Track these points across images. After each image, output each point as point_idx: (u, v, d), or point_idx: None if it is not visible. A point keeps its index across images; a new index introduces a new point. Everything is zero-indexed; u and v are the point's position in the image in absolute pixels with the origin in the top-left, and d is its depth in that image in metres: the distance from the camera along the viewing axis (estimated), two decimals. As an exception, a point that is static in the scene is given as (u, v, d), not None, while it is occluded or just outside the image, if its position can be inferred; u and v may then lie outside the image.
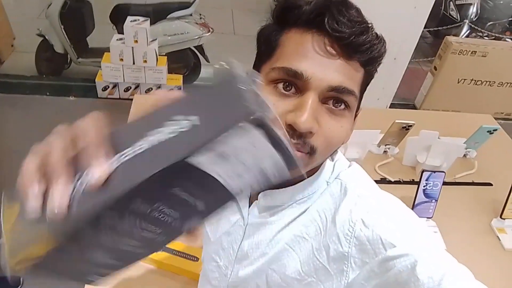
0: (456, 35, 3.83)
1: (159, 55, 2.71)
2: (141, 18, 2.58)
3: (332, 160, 0.62)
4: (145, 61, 2.61)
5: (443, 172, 1.33)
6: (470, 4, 4.05)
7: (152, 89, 2.74)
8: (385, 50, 0.52)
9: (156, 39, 2.66)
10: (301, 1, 0.52)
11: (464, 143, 1.60)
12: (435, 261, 0.47)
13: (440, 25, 4.07)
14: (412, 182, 1.48)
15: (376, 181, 0.60)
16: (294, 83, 0.51)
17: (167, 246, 1.13)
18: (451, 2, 4.07)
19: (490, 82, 3.22)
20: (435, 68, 3.17)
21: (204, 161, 0.28)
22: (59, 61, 3.01)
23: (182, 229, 0.36)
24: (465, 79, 3.18)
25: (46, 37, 2.86)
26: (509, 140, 1.82)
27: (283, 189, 0.60)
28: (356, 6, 0.51)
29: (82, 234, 0.29)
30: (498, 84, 3.23)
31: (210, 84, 0.33)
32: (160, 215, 0.32)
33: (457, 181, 1.54)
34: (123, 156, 0.28)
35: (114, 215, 0.29)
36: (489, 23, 4.09)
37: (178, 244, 1.14)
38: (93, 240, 0.31)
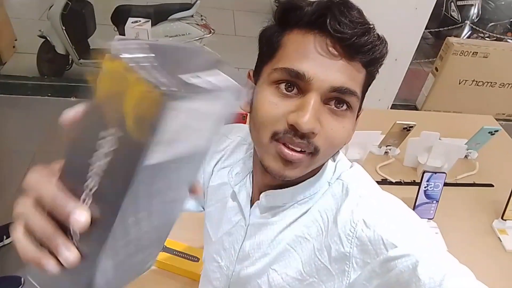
0: (458, 36, 3.83)
1: (160, 56, 2.72)
2: (142, 20, 2.58)
3: (334, 161, 0.62)
4: (147, 62, 2.60)
5: (444, 173, 1.33)
6: (472, 5, 4.05)
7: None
8: (387, 51, 0.53)
9: (157, 40, 2.66)
10: (302, 2, 0.52)
11: (465, 144, 1.60)
12: (436, 262, 0.47)
13: (441, 26, 4.07)
14: (413, 183, 1.48)
15: (377, 182, 0.61)
16: (296, 83, 0.51)
17: (168, 246, 1.13)
18: (452, 3, 4.07)
19: (491, 83, 3.22)
20: (436, 69, 3.17)
21: (158, 155, 0.27)
22: (61, 62, 3.02)
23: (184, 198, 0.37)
24: (466, 80, 3.18)
25: (48, 38, 2.87)
26: (510, 141, 1.82)
27: (285, 189, 0.60)
28: (358, 7, 0.51)
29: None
30: (500, 85, 3.23)
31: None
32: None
33: (458, 182, 1.54)
34: (89, 190, 0.29)
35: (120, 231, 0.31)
36: (490, 24, 4.09)
37: (178, 244, 1.14)
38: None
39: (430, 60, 3.80)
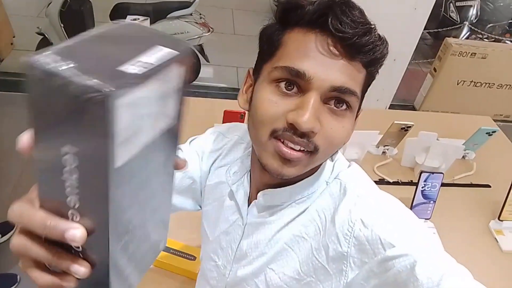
0: (456, 36, 3.84)
1: (159, 54, 2.71)
2: (141, 17, 2.58)
3: (332, 160, 0.62)
4: (145, 60, 2.60)
5: (441, 173, 1.33)
6: (470, 6, 4.06)
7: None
8: (387, 51, 0.52)
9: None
10: (304, 1, 0.51)
11: (462, 144, 1.60)
12: (434, 262, 0.47)
13: (440, 26, 4.07)
14: (410, 183, 1.48)
15: (375, 182, 0.61)
16: (296, 82, 0.51)
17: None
18: (451, 4, 4.08)
19: (489, 84, 3.23)
20: (435, 70, 3.18)
21: (123, 155, 0.26)
22: (59, 60, 3.01)
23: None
24: (464, 81, 3.19)
25: (46, 36, 2.86)
26: (508, 142, 1.82)
27: (283, 188, 0.60)
28: (359, 7, 0.50)
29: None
30: (498, 86, 3.24)
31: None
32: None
33: (455, 182, 1.54)
34: (74, 206, 0.28)
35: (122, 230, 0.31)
36: (489, 25, 4.10)
37: (175, 243, 1.14)
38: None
39: (429, 60, 3.81)
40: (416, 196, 1.32)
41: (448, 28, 4.02)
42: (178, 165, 0.36)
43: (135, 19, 2.50)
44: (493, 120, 1.96)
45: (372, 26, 0.50)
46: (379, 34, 0.51)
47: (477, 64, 3.05)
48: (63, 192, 0.28)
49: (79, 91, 0.22)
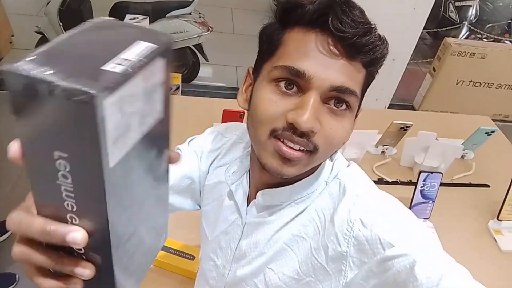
0: (455, 36, 3.84)
1: (158, 53, 2.70)
2: (140, 16, 2.57)
3: (331, 160, 0.62)
4: (144, 60, 2.60)
5: (440, 173, 1.33)
6: (470, 6, 4.06)
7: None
8: (387, 51, 0.52)
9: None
10: (304, 0, 0.51)
11: (461, 144, 1.61)
12: (433, 261, 0.47)
13: (439, 26, 4.08)
14: (409, 183, 1.48)
15: (374, 182, 0.61)
16: (296, 82, 0.51)
17: (164, 245, 1.13)
18: (450, 4, 4.09)
19: (488, 83, 3.23)
20: (434, 69, 3.18)
21: (115, 154, 0.26)
22: (58, 59, 3.01)
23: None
24: (463, 81, 3.19)
25: (45, 34, 2.86)
26: (507, 141, 1.82)
27: (282, 188, 0.60)
28: (359, 7, 0.50)
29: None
30: (497, 86, 3.25)
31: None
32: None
33: (454, 182, 1.54)
34: (72, 209, 0.28)
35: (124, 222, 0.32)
36: (488, 25, 4.11)
37: (174, 242, 1.14)
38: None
39: (428, 60, 3.81)
40: (415, 195, 1.32)
41: (447, 28, 4.03)
42: (172, 159, 0.36)
43: (134, 18, 2.50)
44: (492, 120, 1.96)
45: (373, 26, 0.50)
46: (379, 34, 0.51)
47: (476, 64, 3.06)
48: (60, 196, 0.27)
49: (66, 95, 0.22)
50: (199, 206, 0.80)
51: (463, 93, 3.21)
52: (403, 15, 2.25)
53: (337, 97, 0.51)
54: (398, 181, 1.50)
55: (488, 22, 4.11)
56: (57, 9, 2.78)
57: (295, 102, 0.50)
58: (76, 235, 0.28)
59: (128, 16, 2.52)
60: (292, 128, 0.50)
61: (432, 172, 1.32)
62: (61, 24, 2.78)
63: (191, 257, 1.11)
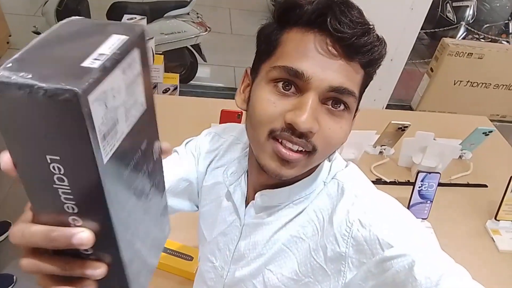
0: (453, 37, 3.85)
1: (156, 53, 2.70)
2: (138, 17, 2.57)
3: (329, 161, 0.62)
4: (142, 60, 2.59)
5: (438, 173, 1.33)
6: (467, 6, 4.08)
7: (148, 87, 2.72)
8: (385, 52, 0.52)
9: (152, 38, 2.65)
10: (302, 1, 0.51)
11: (459, 144, 1.61)
12: (432, 261, 0.47)
13: (436, 26, 4.09)
14: (407, 183, 1.48)
15: (372, 182, 0.60)
16: (294, 82, 0.51)
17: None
18: (448, 4, 4.10)
19: (486, 84, 3.24)
20: (432, 70, 3.19)
21: (107, 149, 0.26)
22: (55, 59, 3.00)
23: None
24: (461, 81, 3.20)
25: (42, 34, 2.85)
26: (505, 142, 1.83)
27: (280, 189, 0.60)
28: (358, 7, 0.50)
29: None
30: (494, 86, 3.26)
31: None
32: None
33: (452, 182, 1.54)
34: (73, 211, 0.28)
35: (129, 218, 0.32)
36: (485, 26, 4.12)
37: (172, 243, 1.13)
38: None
39: (426, 60, 3.82)
40: (413, 196, 1.32)
41: (444, 28, 4.04)
42: (163, 151, 0.37)
43: (131, 18, 2.50)
44: (490, 120, 1.97)
45: (371, 27, 0.50)
46: (377, 35, 0.51)
47: (473, 64, 3.07)
48: (59, 200, 0.27)
49: (49, 96, 0.22)
50: (197, 207, 0.80)
51: (461, 93, 3.22)
52: (401, 15, 2.25)
53: (335, 98, 0.51)
54: (396, 181, 1.50)
55: (486, 23, 4.13)
56: (54, 9, 2.77)
57: (294, 102, 0.50)
58: (82, 235, 0.28)
59: (125, 16, 2.52)
60: (290, 128, 0.49)
61: (430, 172, 1.32)
62: (58, 24, 2.78)
63: (190, 258, 1.10)
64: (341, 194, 0.57)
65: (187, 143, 0.79)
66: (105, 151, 0.26)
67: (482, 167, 1.63)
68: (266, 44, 0.55)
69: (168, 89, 2.76)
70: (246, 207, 0.65)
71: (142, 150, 0.33)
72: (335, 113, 0.51)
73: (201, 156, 0.75)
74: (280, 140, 0.51)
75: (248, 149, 0.67)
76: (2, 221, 2.00)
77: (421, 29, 2.44)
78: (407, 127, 1.51)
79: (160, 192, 0.40)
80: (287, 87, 0.51)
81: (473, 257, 1.26)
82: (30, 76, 0.22)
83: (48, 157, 0.25)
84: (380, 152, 1.62)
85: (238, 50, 3.70)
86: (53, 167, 0.25)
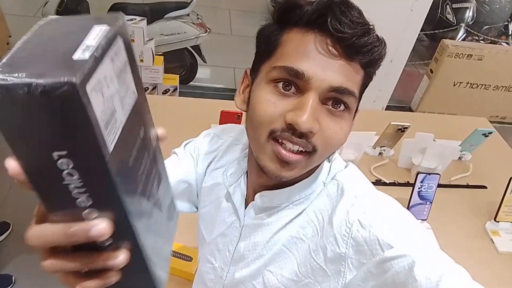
0: (453, 38, 3.86)
1: (156, 54, 2.71)
2: (138, 17, 2.57)
3: (329, 161, 0.62)
4: (142, 60, 2.60)
5: (438, 174, 1.33)
6: (467, 8, 4.08)
7: (148, 88, 2.73)
8: (385, 52, 0.52)
9: (152, 39, 2.66)
10: (302, 1, 0.51)
11: (459, 145, 1.61)
12: (432, 262, 0.47)
13: (436, 28, 4.10)
14: (407, 184, 1.49)
15: (371, 183, 0.60)
16: (294, 82, 0.50)
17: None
18: (447, 6, 4.10)
19: (485, 85, 3.24)
20: (431, 71, 3.19)
21: (109, 139, 0.26)
22: (55, 60, 3.00)
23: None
24: (461, 82, 3.20)
25: (42, 35, 2.85)
26: (504, 143, 1.83)
27: (280, 190, 0.60)
28: (358, 7, 0.50)
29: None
30: (494, 87, 3.26)
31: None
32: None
33: (452, 183, 1.54)
34: (87, 205, 0.29)
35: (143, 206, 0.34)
36: (485, 27, 4.13)
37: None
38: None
39: (425, 62, 3.83)
40: (412, 197, 1.32)
41: (444, 30, 4.05)
42: (160, 138, 0.38)
43: (132, 19, 2.50)
44: (489, 121, 1.97)
45: (371, 27, 0.50)
46: (377, 35, 0.51)
47: (473, 66, 3.07)
48: (70, 195, 0.27)
49: (47, 91, 0.22)
50: (197, 209, 0.80)
51: (460, 95, 3.22)
52: (401, 16, 2.25)
53: (335, 98, 0.51)
54: (396, 182, 1.51)
55: (485, 24, 4.13)
56: (54, 10, 2.78)
57: (294, 103, 0.50)
58: (100, 226, 0.29)
59: (126, 17, 2.51)
60: (291, 128, 0.49)
61: (429, 173, 1.32)
62: (58, 25, 2.78)
63: (189, 259, 1.10)
64: (340, 194, 0.57)
65: (186, 144, 0.79)
66: (109, 139, 0.26)
67: (481, 169, 1.63)
68: (266, 45, 0.55)
69: (168, 90, 2.76)
70: (245, 208, 0.65)
71: (141, 137, 0.33)
72: (335, 114, 0.51)
73: (200, 158, 0.75)
74: (280, 141, 0.51)
75: (247, 150, 0.67)
76: (1, 222, 2.00)
77: (421, 30, 2.44)
78: (406, 128, 1.51)
79: (165, 179, 0.41)
80: (287, 87, 0.51)
81: (473, 259, 1.25)
82: (24, 75, 0.23)
83: (55, 154, 0.25)
84: (380, 153, 1.62)
85: (238, 51, 3.70)
86: (61, 163, 0.26)
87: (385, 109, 2.70)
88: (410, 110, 3.36)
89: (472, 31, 4.03)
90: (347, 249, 0.53)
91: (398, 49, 2.35)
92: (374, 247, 0.50)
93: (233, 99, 0.63)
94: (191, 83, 3.30)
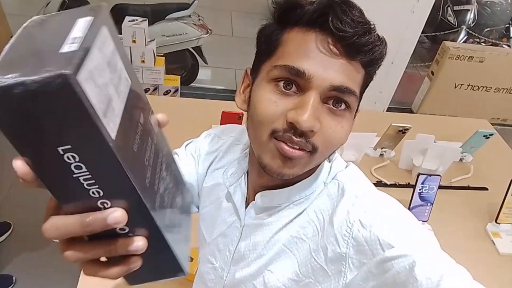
0: (454, 40, 3.86)
1: (157, 55, 2.71)
2: (140, 19, 2.58)
3: (329, 161, 0.62)
4: (143, 61, 2.60)
5: (439, 175, 1.33)
6: (468, 10, 4.08)
7: (149, 89, 2.73)
8: (386, 52, 0.52)
9: (154, 40, 2.66)
10: (303, 1, 0.51)
11: (460, 147, 1.61)
12: (433, 262, 0.47)
13: (437, 30, 4.10)
14: (408, 186, 1.49)
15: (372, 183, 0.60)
16: (295, 82, 0.51)
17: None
18: (449, 8, 4.11)
19: (486, 87, 3.24)
20: (432, 73, 3.19)
21: (111, 126, 0.27)
22: (57, 60, 3.01)
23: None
24: (462, 84, 3.20)
25: (44, 36, 2.86)
26: (505, 145, 1.83)
27: (281, 189, 0.60)
28: (359, 7, 0.50)
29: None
30: (495, 89, 3.26)
31: None
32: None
33: (452, 185, 1.54)
34: (99, 195, 0.29)
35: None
36: (486, 29, 4.13)
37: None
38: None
39: (426, 64, 3.83)
40: (413, 198, 1.32)
41: (445, 32, 4.05)
42: (160, 123, 0.38)
43: (133, 20, 2.50)
44: (490, 123, 1.97)
45: (372, 26, 0.50)
46: (378, 35, 0.51)
47: (474, 68, 3.07)
48: (82, 187, 0.28)
49: (42, 87, 0.23)
50: (198, 209, 0.80)
51: (461, 97, 3.22)
52: (402, 18, 2.26)
53: (336, 97, 0.51)
54: (397, 183, 1.50)
55: (486, 26, 4.13)
56: (56, 10, 2.78)
57: (295, 102, 0.50)
58: (116, 214, 0.29)
59: (127, 18, 2.52)
60: (292, 128, 0.49)
61: (430, 175, 1.32)
62: (60, 26, 2.79)
63: (189, 259, 1.10)
64: (341, 194, 0.57)
65: (187, 145, 0.79)
66: (110, 127, 0.26)
67: (482, 170, 1.63)
68: (267, 44, 0.55)
69: (169, 91, 2.76)
70: (246, 208, 0.65)
71: (142, 123, 0.34)
72: (336, 113, 0.51)
73: (201, 158, 0.75)
74: (282, 141, 0.51)
75: (248, 150, 0.67)
76: (1, 222, 2.00)
77: (422, 32, 2.44)
78: (407, 129, 1.51)
79: (173, 162, 0.42)
80: (288, 86, 0.51)
81: (474, 260, 1.25)
82: (18, 74, 0.23)
83: (60, 149, 0.25)
84: (381, 155, 1.62)
85: (239, 52, 3.71)
86: (68, 157, 0.26)
87: (386, 111, 2.70)
88: (411, 112, 3.36)
89: (473, 33, 4.03)
90: (348, 249, 0.53)
91: (399, 51, 2.35)
92: (375, 247, 0.50)
93: (234, 100, 0.63)
94: (192, 84, 3.30)
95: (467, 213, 1.44)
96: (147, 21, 2.54)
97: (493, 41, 4.06)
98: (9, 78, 0.23)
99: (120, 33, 2.44)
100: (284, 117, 0.50)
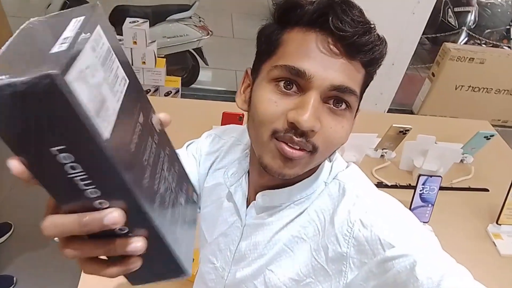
0: (454, 42, 3.86)
1: (158, 57, 2.72)
2: (140, 20, 2.58)
3: (330, 161, 0.62)
4: (144, 63, 2.61)
5: (439, 176, 1.33)
6: (468, 11, 4.09)
7: (150, 90, 2.74)
8: (386, 51, 0.53)
9: (155, 41, 2.66)
10: (303, 1, 0.51)
11: (461, 148, 1.61)
12: (434, 262, 0.47)
13: (438, 31, 4.10)
14: (408, 187, 1.48)
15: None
16: (296, 81, 0.51)
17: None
18: (449, 9, 4.11)
19: (487, 89, 3.25)
20: (433, 74, 3.19)
21: (104, 125, 0.27)
22: (58, 61, 3.01)
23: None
24: (462, 86, 3.20)
25: (45, 37, 2.86)
26: (506, 146, 1.83)
27: (281, 189, 0.60)
28: (359, 7, 0.51)
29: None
30: (495, 91, 3.26)
31: None
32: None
33: (453, 186, 1.54)
34: (96, 195, 0.29)
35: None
36: (487, 31, 4.13)
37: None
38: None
39: (427, 65, 3.83)
40: (414, 199, 1.32)
41: (446, 33, 4.05)
42: (163, 123, 0.38)
43: (134, 22, 2.51)
44: (491, 125, 1.97)
45: (372, 26, 0.50)
46: (378, 34, 0.51)
47: (475, 69, 3.07)
48: (78, 188, 0.28)
49: (29, 88, 0.23)
50: (199, 209, 0.80)
51: (462, 98, 3.22)
52: (402, 20, 2.26)
53: (337, 97, 0.51)
54: (398, 184, 1.50)
55: (487, 28, 4.14)
56: (57, 11, 2.78)
57: (295, 101, 0.50)
58: (113, 215, 0.29)
59: (128, 20, 2.53)
60: (293, 128, 0.49)
61: (431, 176, 1.32)
62: (61, 27, 2.79)
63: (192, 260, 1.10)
64: (342, 194, 0.57)
65: (188, 145, 0.79)
66: (103, 126, 0.26)
67: (483, 171, 1.63)
68: (267, 44, 0.55)
69: (170, 92, 2.77)
70: (247, 207, 0.65)
71: (141, 122, 0.34)
72: (336, 112, 0.51)
73: (202, 158, 0.75)
74: (283, 141, 0.51)
75: (248, 150, 0.67)
76: (2, 223, 2.00)
77: (423, 34, 2.44)
78: (408, 130, 1.51)
79: (177, 162, 0.42)
80: (288, 86, 0.51)
81: (475, 261, 1.25)
82: (8, 76, 0.23)
83: (53, 149, 0.25)
84: (382, 156, 1.62)
85: (240, 53, 3.71)
86: (62, 158, 0.26)
87: (387, 112, 2.70)
88: (412, 113, 3.36)
89: (474, 34, 4.03)
90: (349, 248, 0.53)
91: (399, 52, 2.35)
92: (376, 247, 0.50)
93: (234, 101, 0.63)
94: (193, 85, 3.30)
95: (468, 214, 1.44)
96: (148, 22, 2.54)
97: (494, 42, 4.07)
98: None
99: (121, 34, 2.44)
100: (284, 117, 0.50)
